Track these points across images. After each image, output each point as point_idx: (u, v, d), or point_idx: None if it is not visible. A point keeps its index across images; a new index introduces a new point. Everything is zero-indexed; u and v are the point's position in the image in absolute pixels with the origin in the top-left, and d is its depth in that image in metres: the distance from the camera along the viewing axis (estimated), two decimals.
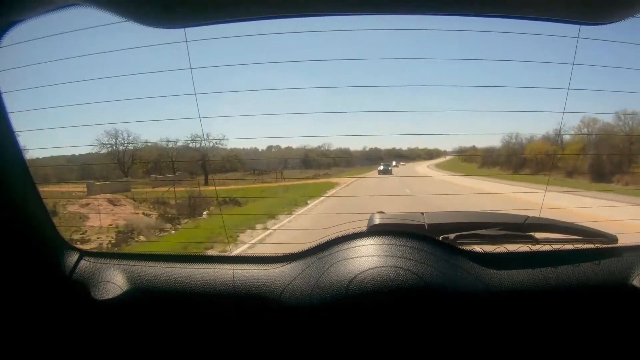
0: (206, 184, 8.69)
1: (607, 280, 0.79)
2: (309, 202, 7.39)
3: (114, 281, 0.84)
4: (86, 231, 5.73)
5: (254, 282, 0.81)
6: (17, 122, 0.84)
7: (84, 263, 0.89)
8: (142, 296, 0.83)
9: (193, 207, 6.29)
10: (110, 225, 6.00)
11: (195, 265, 0.86)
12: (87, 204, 6.74)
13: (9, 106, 0.82)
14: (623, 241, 0.87)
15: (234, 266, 0.84)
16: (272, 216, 5.78)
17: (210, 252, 4.04)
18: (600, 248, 0.86)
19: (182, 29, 0.83)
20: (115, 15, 0.77)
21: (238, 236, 4.93)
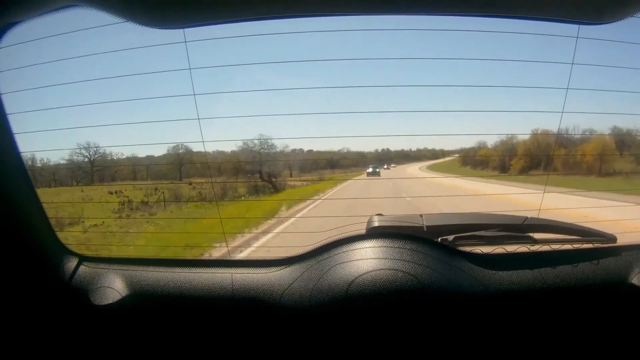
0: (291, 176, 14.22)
1: (606, 279, 0.79)
2: (357, 177, 14.31)
3: (114, 286, 0.83)
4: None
5: (253, 285, 0.81)
6: (16, 123, 0.83)
7: (83, 268, 0.88)
8: (141, 301, 0.83)
9: (322, 177, 13.92)
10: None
11: (194, 270, 0.86)
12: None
13: (8, 107, 0.82)
14: (622, 240, 0.87)
15: (233, 270, 0.84)
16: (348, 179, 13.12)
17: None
18: (599, 248, 0.85)
19: (182, 30, 0.82)
20: (114, 16, 0.76)
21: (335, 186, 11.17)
